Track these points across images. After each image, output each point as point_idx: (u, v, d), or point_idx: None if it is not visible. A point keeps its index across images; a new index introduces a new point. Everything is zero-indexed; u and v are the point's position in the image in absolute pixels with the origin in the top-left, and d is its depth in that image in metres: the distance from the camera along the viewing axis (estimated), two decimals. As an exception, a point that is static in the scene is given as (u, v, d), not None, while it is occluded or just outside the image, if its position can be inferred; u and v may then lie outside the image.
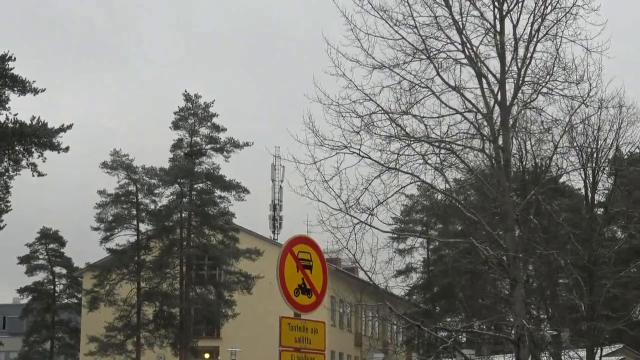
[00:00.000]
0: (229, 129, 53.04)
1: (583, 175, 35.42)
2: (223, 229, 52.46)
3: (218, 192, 52.67)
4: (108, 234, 52.88)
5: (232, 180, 52.53)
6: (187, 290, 51.90)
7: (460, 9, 22.66)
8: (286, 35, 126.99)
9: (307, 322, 13.19)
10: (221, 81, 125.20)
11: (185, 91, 53.02)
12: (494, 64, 22.98)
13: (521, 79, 22.79)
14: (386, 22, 22.57)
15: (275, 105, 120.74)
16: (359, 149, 22.68)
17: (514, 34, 22.83)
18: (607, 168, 35.87)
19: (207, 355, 62.46)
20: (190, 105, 52.99)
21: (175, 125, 52.99)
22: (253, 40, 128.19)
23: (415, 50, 22.66)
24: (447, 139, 23.17)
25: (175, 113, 53.02)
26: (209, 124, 52.97)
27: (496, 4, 22.77)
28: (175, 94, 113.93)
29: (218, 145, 52.79)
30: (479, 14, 22.79)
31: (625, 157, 38.16)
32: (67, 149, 39.83)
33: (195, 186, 52.57)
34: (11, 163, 39.60)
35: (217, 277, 54.78)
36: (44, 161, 39.88)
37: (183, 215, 52.60)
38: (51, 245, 67.96)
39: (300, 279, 13.22)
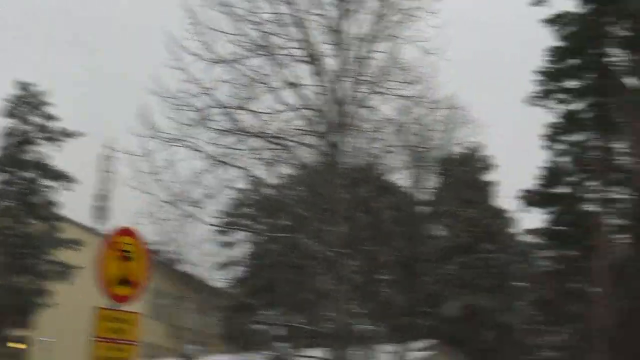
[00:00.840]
0: (59, 115, 51.82)
1: (411, 174, 36.17)
2: (47, 218, 51.26)
3: (46, 182, 51.45)
4: None
5: (60, 170, 51.48)
6: (5, 279, 50.36)
7: (303, 7, 22.70)
8: (121, 22, 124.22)
9: (123, 313, 13.12)
10: (49, 63, 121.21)
11: (18, 79, 51.84)
12: (333, 63, 23.11)
13: (358, 78, 22.99)
14: (228, 16, 22.41)
15: (107, 92, 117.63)
16: (193, 142, 22.50)
17: (355, 33, 23.03)
18: (435, 167, 36.74)
19: (17, 345, 60.72)
20: (24, 93, 51.59)
21: (8, 113, 51.47)
22: (84, 21, 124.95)
23: (255, 46, 22.55)
24: (281, 135, 23.19)
25: (7, 101, 51.56)
26: (40, 112, 51.65)
27: (339, 3, 22.88)
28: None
29: (49, 135, 51.59)
30: (322, 13, 22.86)
31: (454, 157, 39.21)
32: None
33: (23, 175, 51.17)
34: None
35: (36, 267, 53.35)
36: None
37: (8, 203, 51.09)
38: None
39: (120, 270, 13.12)
